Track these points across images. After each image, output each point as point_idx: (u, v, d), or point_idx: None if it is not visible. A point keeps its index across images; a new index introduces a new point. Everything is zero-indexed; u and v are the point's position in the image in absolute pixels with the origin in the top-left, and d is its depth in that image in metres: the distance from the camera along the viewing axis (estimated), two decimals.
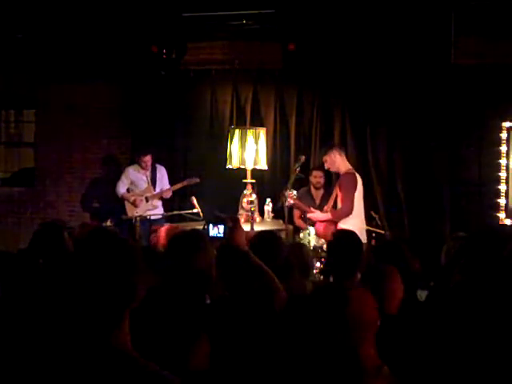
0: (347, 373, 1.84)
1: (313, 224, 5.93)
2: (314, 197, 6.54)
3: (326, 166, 5.95)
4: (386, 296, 2.66)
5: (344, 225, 5.53)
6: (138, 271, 1.60)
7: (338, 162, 5.82)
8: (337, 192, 5.79)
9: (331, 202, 5.90)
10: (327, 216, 5.76)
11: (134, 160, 7.20)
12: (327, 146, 6.13)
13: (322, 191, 6.57)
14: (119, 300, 1.56)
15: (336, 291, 1.99)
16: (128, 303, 1.57)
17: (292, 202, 5.91)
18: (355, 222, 5.54)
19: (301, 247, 4.06)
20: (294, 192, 5.92)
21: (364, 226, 5.79)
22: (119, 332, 1.56)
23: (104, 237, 1.81)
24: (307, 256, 3.82)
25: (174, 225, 5.28)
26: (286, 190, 5.75)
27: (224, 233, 2.85)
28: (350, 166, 5.88)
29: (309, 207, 6.07)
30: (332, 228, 5.51)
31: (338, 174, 6.10)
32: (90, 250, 1.64)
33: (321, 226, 5.71)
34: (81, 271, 1.60)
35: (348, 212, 5.60)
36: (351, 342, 1.86)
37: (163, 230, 4.06)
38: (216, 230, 2.87)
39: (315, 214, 5.88)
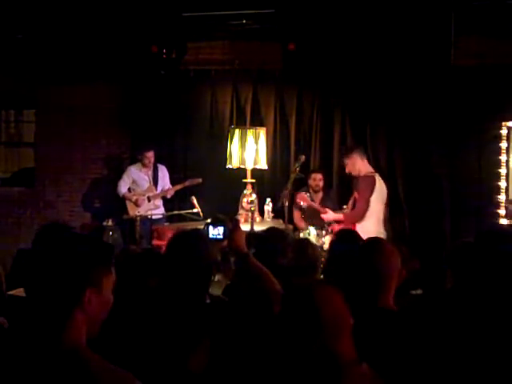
0: (324, 371, 1.85)
1: (313, 224, 5.94)
2: (314, 199, 6.53)
3: (347, 170, 5.89)
4: (381, 283, 2.55)
5: (360, 227, 5.45)
6: (88, 269, 1.61)
7: (359, 165, 5.75)
8: (355, 194, 5.74)
9: (350, 204, 5.85)
10: (339, 216, 5.74)
11: (137, 158, 7.20)
12: (347, 148, 6.04)
13: (321, 194, 6.57)
14: (65, 297, 1.57)
15: (303, 294, 2.00)
16: (75, 301, 1.58)
17: (305, 204, 5.90)
18: (370, 224, 5.49)
19: (304, 245, 4.00)
20: (308, 194, 5.92)
21: (381, 229, 5.68)
22: (71, 330, 1.57)
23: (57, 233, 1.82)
24: (312, 255, 3.77)
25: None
26: (285, 189, 5.75)
27: (224, 234, 2.85)
28: (370, 169, 5.80)
29: (323, 207, 6.01)
30: None
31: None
32: (39, 248, 1.66)
33: (337, 228, 5.66)
34: (32, 268, 1.62)
35: (360, 215, 5.55)
36: (325, 341, 1.87)
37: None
38: (216, 232, 2.88)
39: (328, 215, 5.83)
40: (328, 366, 1.84)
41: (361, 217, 5.56)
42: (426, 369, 2.28)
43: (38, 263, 1.61)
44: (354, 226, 5.55)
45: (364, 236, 5.41)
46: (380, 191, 5.69)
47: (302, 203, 5.91)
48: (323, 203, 6.37)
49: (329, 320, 1.87)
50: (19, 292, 2.92)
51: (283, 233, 3.77)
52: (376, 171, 5.91)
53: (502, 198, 6.57)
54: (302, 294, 2.00)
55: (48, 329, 1.57)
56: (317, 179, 6.52)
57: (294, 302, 1.96)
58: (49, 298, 1.58)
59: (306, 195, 6.06)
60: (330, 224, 6.06)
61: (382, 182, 5.78)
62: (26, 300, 1.61)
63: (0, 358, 1.58)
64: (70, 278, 1.58)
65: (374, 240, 2.94)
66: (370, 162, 6.95)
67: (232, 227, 2.80)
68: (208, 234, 2.86)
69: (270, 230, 3.84)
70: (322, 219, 6.05)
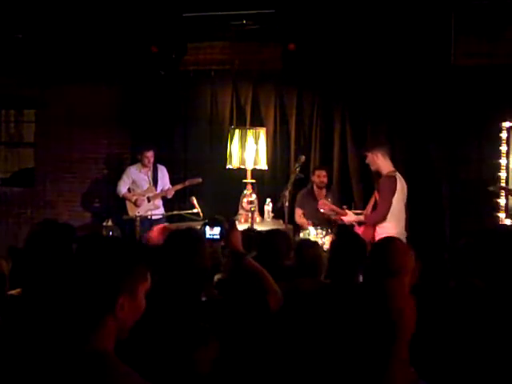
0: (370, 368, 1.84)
1: (313, 224, 5.94)
2: (317, 196, 6.52)
3: (367, 161, 5.72)
4: (395, 282, 2.47)
5: (380, 229, 5.43)
6: (122, 277, 1.61)
7: (380, 162, 5.61)
8: (376, 195, 5.67)
9: (371, 205, 5.76)
10: (360, 218, 5.70)
11: (136, 157, 7.20)
12: (371, 142, 5.91)
13: (324, 190, 6.56)
14: (98, 304, 1.57)
15: (378, 292, 1.98)
16: (108, 308, 1.58)
17: (326, 209, 5.87)
18: (392, 226, 5.41)
19: (304, 246, 3.97)
20: (329, 199, 5.90)
21: (403, 231, 5.57)
22: (100, 335, 1.57)
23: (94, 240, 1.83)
24: (313, 255, 3.74)
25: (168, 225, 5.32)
26: (286, 190, 5.74)
27: (220, 234, 2.86)
28: (392, 168, 5.66)
29: (343, 210, 5.89)
30: (370, 232, 5.43)
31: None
32: (77, 253, 1.66)
33: (359, 230, 5.61)
34: (66, 272, 1.62)
35: (382, 216, 5.46)
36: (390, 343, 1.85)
37: (156, 230, 4.09)
38: (213, 232, 2.89)
39: (348, 217, 5.76)
40: (376, 365, 1.82)
41: (383, 218, 5.46)
42: (437, 369, 2.26)
43: (75, 268, 1.60)
44: (375, 227, 5.51)
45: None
46: (401, 191, 5.60)
47: (322, 210, 5.90)
48: (327, 200, 6.38)
49: (401, 324, 1.84)
50: (18, 292, 2.92)
51: (286, 234, 3.77)
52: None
53: (501, 198, 6.57)
54: (382, 298, 1.95)
55: (77, 333, 1.56)
56: (321, 176, 6.51)
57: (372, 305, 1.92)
58: (81, 303, 1.57)
59: (327, 201, 6.01)
60: (331, 224, 6.05)
61: (402, 180, 5.68)
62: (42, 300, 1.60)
63: (23, 358, 1.58)
64: (104, 286, 1.58)
65: (388, 238, 2.92)
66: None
67: (228, 227, 2.81)
68: (205, 234, 2.87)
69: (272, 231, 3.84)
70: (322, 219, 6.05)
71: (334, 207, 5.98)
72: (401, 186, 5.62)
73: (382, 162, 5.64)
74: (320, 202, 6.01)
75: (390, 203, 5.48)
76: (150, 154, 6.99)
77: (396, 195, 5.52)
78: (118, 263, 1.61)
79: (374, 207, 5.68)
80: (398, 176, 5.66)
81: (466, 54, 6.48)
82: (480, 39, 6.56)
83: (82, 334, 1.56)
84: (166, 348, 2.16)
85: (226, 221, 2.90)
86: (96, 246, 1.66)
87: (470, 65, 6.55)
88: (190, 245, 2.68)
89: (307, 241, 4.48)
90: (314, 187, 6.56)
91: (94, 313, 1.57)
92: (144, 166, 7.05)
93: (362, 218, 5.72)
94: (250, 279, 2.73)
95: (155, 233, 4.21)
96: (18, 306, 2.66)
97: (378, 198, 5.63)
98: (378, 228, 5.49)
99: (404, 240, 5.39)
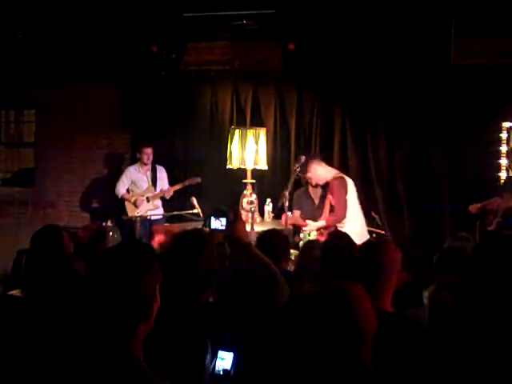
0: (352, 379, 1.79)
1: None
2: (313, 196, 6.51)
3: (314, 183, 5.96)
4: (380, 282, 2.44)
5: (345, 229, 5.51)
6: (151, 280, 1.61)
7: (322, 172, 5.85)
8: (330, 199, 5.79)
9: (326, 211, 5.89)
10: (322, 224, 5.76)
11: (135, 156, 7.22)
12: (301, 164, 5.89)
13: (319, 190, 6.53)
14: (132, 310, 1.58)
15: (337, 295, 1.93)
16: (142, 314, 1.59)
17: (290, 224, 5.86)
18: (353, 225, 5.55)
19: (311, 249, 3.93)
20: (289, 214, 5.89)
21: (364, 229, 5.76)
22: (132, 343, 1.58)
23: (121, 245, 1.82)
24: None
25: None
26: (286, 190, 5.74)
27: (226, 225, 2.85)
28: (335, 171, 5.90)
29: (304, 221, 5.97)
30: None
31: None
32: (104, 258, 1.65)
33: (322, 238, 5.67)
34: (95, 278, 1.61)
35: (342, 216, 5.61)
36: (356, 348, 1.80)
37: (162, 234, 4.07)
38: (218, 223, 2.89)
39: (310, 226, 5.82)
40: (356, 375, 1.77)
41: (343, 217, 5.61)
42: (422, 375, 2.22)
43: (112, 279, 1.59)
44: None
45: (352, 237, 5.54)
46: (352, 189, 5.79)
47: (289, 224, 5.90)
48: (323, 200, 6.38)
49: (363, 327, 1.80)
50: (18, 292, 2.92)
51: (284, 234, 3.75)
52: (347, 171, 6.03)
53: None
54: (338, 296, 1.89)
55: (112, 341, 1.56)
56: None
57: (330, 306, 1.86)
58: (119, 313, 1.57)
59: (284, 215, 5.99)
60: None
61: (350, 179, 5.88)
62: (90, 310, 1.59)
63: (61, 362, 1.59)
64: (141, 295, 1.59)
65: (377, 238, 2.93)
66: (369, 162, 7.00)
67: (233, 218, 2.80)
68: (210, 225, 2.86)
69: (270, 231, 3.83)
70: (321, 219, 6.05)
71: (293, 220, 5.97)
72: (350, 184, 5.79)
73: (323, 171, 5.84)
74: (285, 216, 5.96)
75: (346, 201, 5.63)
76: (149, 151, 7.00)
77: (349, 193, 5.67)
78: (148, 271, 1.62)
79: (331, 211, 5.79)
80: (345, 176, 5.84)
81: (466, 54, 6.47)
82: (480, 39, 6.56)
83: (117, 342, 1.56)
84: (168, 350, 2.16)
85: (231, 211, 2.90)
86: (121, 256, 1.65)
87: (470, 65, 6.55)
88: (196, 246, 2.66)
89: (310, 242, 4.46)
90: (309, 187, 6.54)
91: (131, 322, 1.57)
92: (143, 163, 7.05)
93: (322, 223, 5.76)
94: (256, 270, 2.71)
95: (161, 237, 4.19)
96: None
97: (332, 200, 5.73)
98: (343, 228, 5.56)
99: (365, 236, 5.54)
